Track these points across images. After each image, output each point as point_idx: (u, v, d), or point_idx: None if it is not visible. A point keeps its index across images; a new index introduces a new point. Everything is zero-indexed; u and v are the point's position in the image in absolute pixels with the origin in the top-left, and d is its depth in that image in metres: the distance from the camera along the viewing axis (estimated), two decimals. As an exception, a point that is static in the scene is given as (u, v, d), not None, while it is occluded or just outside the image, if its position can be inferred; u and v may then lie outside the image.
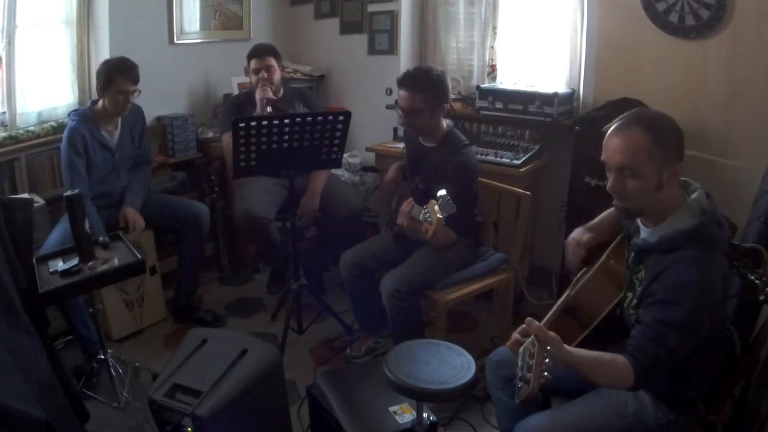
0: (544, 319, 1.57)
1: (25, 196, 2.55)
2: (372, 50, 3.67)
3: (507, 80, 3.32)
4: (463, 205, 2.09)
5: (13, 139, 2.74)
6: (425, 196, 2.16)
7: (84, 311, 2.38)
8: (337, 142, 2.44)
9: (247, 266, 3.55)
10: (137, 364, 2.50)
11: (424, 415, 1.74)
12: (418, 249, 2.42)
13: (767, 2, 2.37)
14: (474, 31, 3.41)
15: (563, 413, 1.56)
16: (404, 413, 1.82)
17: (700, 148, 2.53)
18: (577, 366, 1.30)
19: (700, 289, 1.29)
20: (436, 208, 1.94)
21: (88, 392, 2.31)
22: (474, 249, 2.50)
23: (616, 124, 1.41)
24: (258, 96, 2.77)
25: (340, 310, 2.85)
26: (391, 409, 1.83)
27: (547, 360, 1.21)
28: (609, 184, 1.41)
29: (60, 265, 2.04)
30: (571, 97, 3.01)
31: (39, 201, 2.59)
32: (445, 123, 2.47)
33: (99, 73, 2.56)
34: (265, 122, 2.27)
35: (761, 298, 1.52)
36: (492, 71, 3.41)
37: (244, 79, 3.48)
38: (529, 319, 1.31)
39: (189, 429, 1.73)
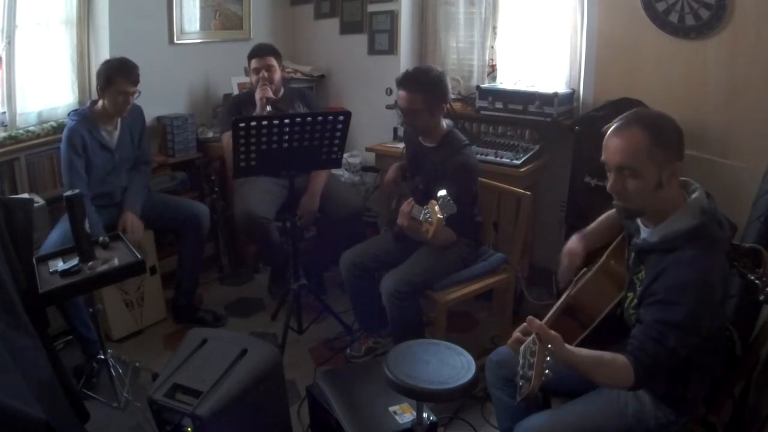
0: (545, 319, 1.57)
1: (25, 196, 2.55)
2: (372, 50, 3.67)
3: (507, 80, 3.32)
4: (463, 205, 2.09)
5: (13, 139, 2.74)
6: (425, 196, 2.16)
7: (84, 311, 2.38)
8: (337, 142, 2.44)
9: (247, 266, 3.55)
10: (137, 364, 2.50)
11: (424, 415, 1.74)
12: (418, 249, 2.42)
13: (767, 2, 2.37)
14: (474, 31, 3.41)
15: (563, 413, 1.56)
16: (404, 413, 1.82)
17: (700, 148, 2.53)
18: (577, 365, 1.30)
19: (700, 289, 1.29)
20: (437, 208, 1.94)
21: (88, 392, 2.31)
22: (474, 249, 2.50)
23: (615, 124, 1.41)
24: (258, 95, 2.77)
25: (340, 310, 2.85)
26: (391, 409, 1.83)
27: (548, 358, 1.21)
28: (609, 184, 1.42)
29: (60, 265, 2.04)
30: (571, 97, 3.01)
31: (39, 201, 2.59)
32: (445, 123, 2.47)
33: (99, 74, 2.56)
34: (265, 122, 2.27)
35: (761, 298, 1.52)
36: (492, 71, 3.41)
37: (244, 79, 3.48)
38: (530, 317, 1.31)
39: (189, 429, 1.73)
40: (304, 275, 2.72)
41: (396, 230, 2.44)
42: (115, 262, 2.08)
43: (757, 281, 1.54)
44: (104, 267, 2.04)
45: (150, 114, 3.10)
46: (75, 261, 2.03)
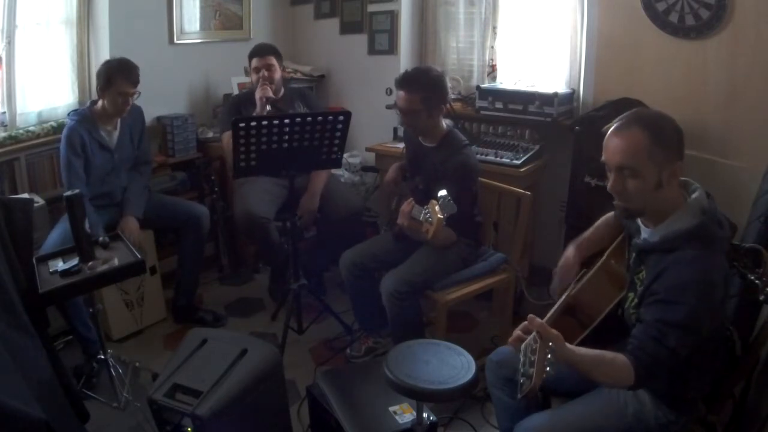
0: (545, 318, 1.57)
1: (25, 196, 2.55)
2: (372, 50, 3.67)
3: (507, 80, 3.32)
4: (463, 205, 2.08)
5: (13, 139, 2.74)
6: (425, 196, 2.16)
7: (84, 311, 2.38)
8: (337, 142, 2.44)
9: (247, 266, 3.55)
10: (137, 364, 2.50)
11: (424, 415, 1.74)
12: (418, 249, 2.42)
13: (767, 2, 2.37)
14: (474, 31, 3.41)
15: (563, 413, 1.56)
16: (404, 413, 1.82)
17: (700, 148, 2.53)
18: (578, 364, 1.30)
19: (700, 288, 1.29)
20: (437, 208, 1.94)
21: (88, 392, 2.31)
22: (474, 249, 2.50)
23: (615, 125, 1.42)
24: (258, 95, 2.77)
25: (340, 310, 2.85)
26: (391, 409, 1.83)
27: (549, 356, 1.21)
28: (609, 184, 1.42)
29: (60, 265, 2.04)
30: (571, 97, 3.01)
31: (39, 201, 2.59)
32: (445, 123, 2.47)
33: (99, 74, 2.56)
34: (265, 122, 2.27)
35: (761, 298, 1.52)
36: (492, 71, 3.41)
37: (244, 79, 3.49)
38: (531, 315, 1.31)
39: (189, 429, 1.73)
40: (304, 275, 2.72)
41: (396, 230, 2.44)
42: (115, 262, 2.08)
43: (757, 281, 1.54)
44: (104, 267, 2.04)
45: (150, 114, 3.10)
46: (75, 261, 2.03)
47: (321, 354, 2.73)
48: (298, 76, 3.80)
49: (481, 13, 3.35)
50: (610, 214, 1.75)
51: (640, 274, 1.46)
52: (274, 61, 2.90)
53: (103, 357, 2.27)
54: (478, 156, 2.80)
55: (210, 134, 3.47)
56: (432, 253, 2.37)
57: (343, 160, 2.91)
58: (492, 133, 3.18)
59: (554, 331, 1.26)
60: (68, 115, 2.64)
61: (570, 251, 1.76)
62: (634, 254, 1.51)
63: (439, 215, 1.92)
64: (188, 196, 3.31)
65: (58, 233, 2.46)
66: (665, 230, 1.39)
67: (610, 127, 1.43)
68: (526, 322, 1.33)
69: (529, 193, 2.46)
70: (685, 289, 1.30)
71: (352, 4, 3.69)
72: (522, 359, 1.27)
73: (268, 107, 2.77)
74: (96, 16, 3.06)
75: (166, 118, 3.29)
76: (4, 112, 2.81)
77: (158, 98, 3.18)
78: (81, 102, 3.09)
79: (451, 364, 1.69)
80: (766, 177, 2.02)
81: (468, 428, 2.22)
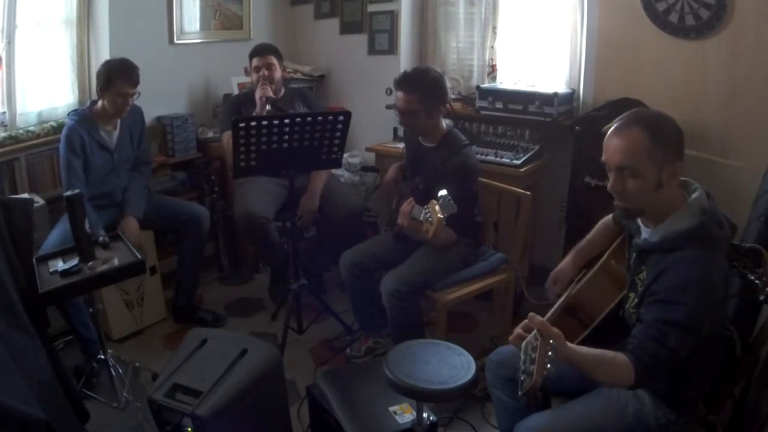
0: (545, 317, 1.57)
1: (25, 196, 2.55)
2: (372, 50, 3.67)
3: (507, 80, 3.32)
4: (463, 205, 2.08)
5: (13, 139, 2.74)
6: (426, 197, 2.16)
7: (83, 311, 2.38)
8: (337, 142, 2.44)
9: (247, 266, 3.55)
10: (137, 364, 2.50)
11: (424, 415, 1.74)
12: (418, 249, 2.42)
13: (767, 2, 2.37)
14: (474, 31, 3.41)
15: (563, 413, 1.56)
16: (404, 413, 1.82)
17: (700, 148, 2.53)
18: (578, 363, 1.30)
19: (700, 288, 1.29)
20: (437, 208, 1.94)
21: (88, 392, 2.31)
22: (474, 249, 2.50)
23: (615, 125, 1.42)
24: (258, 94, 2.77)
25: (340, 310, 2.85)
26: (391, 409, 1.83)
27: (550, 353, 1.21)
28: (609, 184, 1.42)
29: (60, 265, 2.04)
30: (571, 97, 3.01)
31: (39, 201, 2.59)
32: (445, 123, 2.47)
33: (99, 74, 2.56)
34: (265, 122, 2.27)
35: (761, 298, 1.52)
36: (492, 71, 3.41)
37: (244, 79, 3.48)
38: (531, 314, 1.31)
39: (189, 429, 1.73)
40: (304, 275, 2.72)
41: (396, 230, 2.44)
42: (115, 262, 2.08)
43: (757, 281, 1.54)
44: (104, 267, 2.04)
45: (150, 114, 3.10)
46: (75, 261, 2.03)
47: (321, 354, 2.73)
48: (298, 76, 3.80)
49: (481, 13, 3.35)
50: (608, 217, 1.76)
51: (641, 274, 1.46)
52: (274, 60, 2.90)
53: (103, 357, 2.27)
54: (478, 156, 2.80)
55: (210, 134, 3.47)
56: (432, 253, 2.37)
57: (343, 160, 2.91)
58: (492, 133, 3.18)
59: (555, 329, 1.26)
60: (68, 115, 2.64)
61: (568, 258, 1.78)
62: (634, 254, 1.51)
63: (439, 215, 1.92)
64: (188, 197, 3.31)
65: (58, 233, 2.46)
66: (665, 230, 1.40)
67: (610, 127, 1.43)
68: (526, 321, 1.33)
69: (529, 193, 2.46)
70: (686, 289, 1.30)
71: (352, 4, 3.69)
72: (523, 357, 1.27)
73: (268, 107, 2.77)
74: (96, 16, 3.06)
75: (166, 118, 3.29)
76: (4, 112, 2.81)
77: (158, 98, 3.18)
78: (81, 102, 3.09)
79: (451, 364, 1.69)
80: (766, 177, 2.02)
81: (468, 428, 2.22)
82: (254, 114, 2.74)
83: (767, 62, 2.40)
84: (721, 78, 2.56)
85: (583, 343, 1.44)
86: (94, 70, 2.74)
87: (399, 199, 2.54)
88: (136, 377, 2.46)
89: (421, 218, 2.04)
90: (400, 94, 2.33)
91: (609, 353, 1.34)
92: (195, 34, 3.47)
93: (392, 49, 3.57)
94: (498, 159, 2.89)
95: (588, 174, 2.67)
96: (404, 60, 3.54)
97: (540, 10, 3.16)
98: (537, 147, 2.96)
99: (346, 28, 3.77)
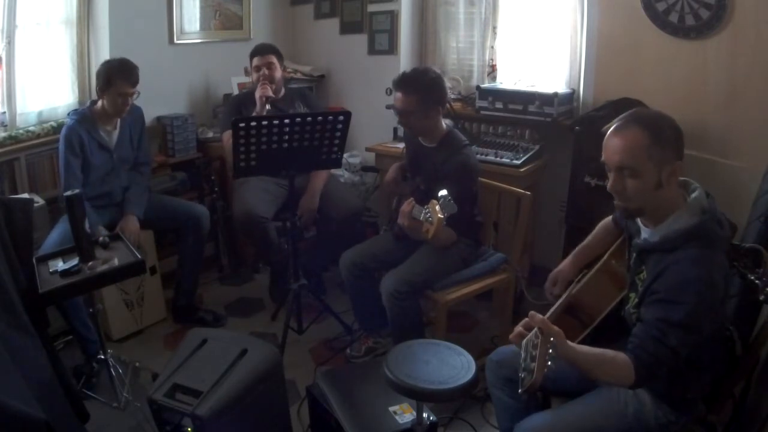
0: (545, 316, 1.57)
1: (25, 196, 2.55)
2: (372, 50, 3.67)
3: (507, 80, 3.32)
4: (463, 205, 2.09)
5: (13, 139, 2.74)
6: (426, 197, 2.16)
7: (83, 311, 2.38)
8: (337, 142, 2.44)
9: (247, 266, 3.55)
10: (137, 364, 2.50)
11: (424, 415, 1.74)
12: (418, 249, 2.42)
13: (767, 2, 2.37)
14: (474, 31, 3.41)
15: (563, 413, 1.56)
16: (404, 413, 1.82)
17: (700, 148, 2.53)
18: (579, 361, 1.30)
19: (701, 288, 1.29)
20: (437, 208, 1.94)
21: (88, 392, 2.31)
22: (474, 249, 2.50)
23: (615, 125, 1.42)
24: (258, 94, 2.77)
25: (340, 310, 2.85)
26: (391, 409, 1.83)
27: (550, 350, 1.22)
28: (609, 184, 1.42)
29: (60, 265, 2.04)
30: (571, 97, 3.01)
31: (39, 201, 2.59)
32: (445, 123, 2.47)
33: (99, 74, 2.56)
34: (265, 122, 2.27)
35: (761, 298, 1.52)
36: (492, 71, 3.41)
37: (244, 79, 3.49)
38: (532, 312, 1.32)
39: (189, 429, 1.73)
40: (304, 275, 2.72)
41: (396, 230, 2.44)
42: (115, 262, 2.08)
43: (757, 281, 1.54)
44: (104, 267, 2.04)
45: (150, 114, 3.10)
46: (75, 261, 2.03)
47: (321, 354, 2.73)
48: (298, 76, 3.80)
49: (481, 13, 3.35)
50: (608, 218, 1.76)
51: (641, 274, 1.46)
52: (274, 60, 2.91)
53: (103, 357, 2.27)
54: (478, 156, 2.80)
55: (210, 134, 3.47)
56: (432, 253, 2.37)
57: (343, 160, 2.91)
58: (492, 133, 3.18)
59: (556, 328, 1.26)
60: (68, 114, 2.64)
61: (567, 260, 1.79)
62: (634, 254, 1.51)
63: (439, 215, 1.92)
64: (188, 196, 3.31)
65: (58, 233, 2.46)
66: (665, 230, 1.40)
67: (609, 128, 1.43)
68: (527, 319, 1.33)
69: (529, 193, 2.46)
70: (686, 289, 1.30)
71: (352, 4, 3.69)
72: (523, 355, 1.27)
73: (268, 106, 2.77)
74: (96, 16, 3.06)
75: (166, 118, 3.29)
76: (4, 112, 2.81)
77: (158, 98, 3.18)
78: (81, 102, 3.09)
79: (451, 364, 1.69)
80: (766, 177, 2.02)
81: (468, 428, 2.22)
82: (254, 113, 2.75)
83: (767, 62, 2.40)
84: (721, 78, 2.56)
85: (583, 342, 1.44)
86: (94, 70, 2.74)
87: (399, 199, 2.54)
88: (136, 377, 2.46)
89: (421, 218, 2.04)
90: (398, 94, 2.34)
91: (609, 352, 1.34)
92: (195, 34, 3.47)
93: (392, 49, 3.57)
94: (498, 159, 2.89)
95: (588, 174, 2.67)
96: (404, 60, 3.54)
97: (540, 10, 3.16)
98: (537, 147, 2.96)
99: (346, 28, 3.77)
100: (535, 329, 1.27)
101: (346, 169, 3.43)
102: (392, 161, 2.89)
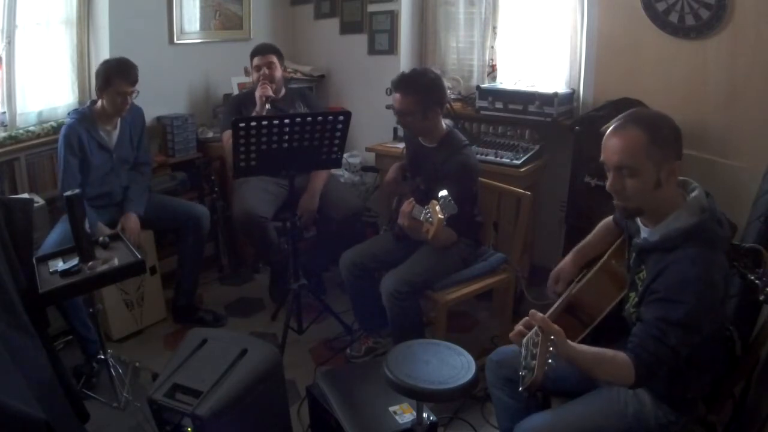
0: (546, 315, 1.57)
1: (25, 196, 2.55)
2: (372, 50, 3.68)
3: (507, 80, 3.32)
4: (463, 205, 2.09)
5: (13, 139, 2.74)
6: (426, 197, 2.16)
7: (83, 311, 2.38)
8: (337, 142, 2.44)
9: (247, 266, 3.55)
10: (137, 364, 2.50)
11: (424, 415, 1.74)
12: (418, 249, 2.42)
13: (767, 2, 2.37)
14: (474, 31, 3.41)
15: (563, 413, 1.56)
16: (404, 413, 1.82)
17: (700, 148, 2.53)
18: (578, 360, 1.30)
19: (700, 287, 1.29)
20: (438, 208, 1.94)
21: (88, 392, 2.31)
22: (474, 249, 2.50)
23: (613, 125, 1.42)
24: (258, 93, 2.78)
25: (340, 310, 2.85)
26: (391, 409, 1.83)
27: (551, 348, 1.22)
28: (608, 183, 1.42)
29: (60, 265, 2.04)
30: (571, 97, 3.01)
31: (39, 201, 2.59)
32: (445, 123, 2.47)
33: (98, 74, 2.56)
34: (265, 122, 2.27)
35: (761, 298, 1.52)
36: (492, 71, 3.41)
37: (244, 79, 3.49)
38: (532, 311, 1.32)
39: (189, 429, 1.73)
40: (304, 275, 2.72)
41: (397, 230, 2.44)
42: (115, 262, 2.08)
43: (757, 281, 1.54)
44: (104, 267, 2.04)
45: (150, 114, 3.10)
46: (75, 261, 2.03)
47: (321, 354, 2.73)
48: (298, 76, 3.80)
49: (481, 13, 3.35)
50: (609, 218, 1.76)
51: (641, 273, 1.46)
52: (275, 59, 2.91)
53: (103, 357, 2.27)
54: (478, 156, 2.80)
55: (210, 134, 3.47)
56: (432, 253, 2.37)
57: (343, 160, 2.91)
58: (492, 133, 3.18)
59: (556, 326, 1.26)
60: (68, 114, 2.64)
61: (568, 257, 1.78)
62: (634, 254, 1.51)
63: (439, 215, 1.92)
64: (188, 196, 3.31)
65: (57, 233, 2.46)
66: (665, 229, 1.40)
67: (608, 127, 1.43)
68: (527, 317, 1.33)
69: (529, 193, 2.46)
70: (685, 288, 1.30)
71: (352, 4, 3.69)
72: (524, 353, 1.28)
73: (268, 106, 2.77)
74: (96, 16, 3.06)
75: (166, 118, 3.29)
76: (4, 112, 2.81)
77: (158, 98, 3.18)
78: (81, 102, 3.09)
79: (451, 364, 1.69)
80: (766, 177, 2.02)
81: (468, 428, 2.22)
82: (254, 113, 2.75)
83: (767, 62, 2.40)
84: (721, 78, 2.56)
85: (583, 342, 1.44)
86: (94, 70, 2.73)
87: (399, 199, 2.54)
88: (136, 377, 2.46)
89: (421, 218, 2.04)
90: (397, 95, 2.34)
91: (609, 352, 1.34)
92: (195, 34, 3.47)
93: (392, 49, 3.57)
94: (498, 159, 2.89)
95: (588, 174, 2.67)
96: (404, 60, 3.54)
97: (540, 10, 3.16)
98: (537, 147, 2.96)
99: (346, 28, 3.77)
100: (536, 328, 1.27)
101: (346, 169, 3.43)
102: (392, 161, 2.89)
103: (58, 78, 3.03)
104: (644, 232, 1.47)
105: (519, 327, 1.36)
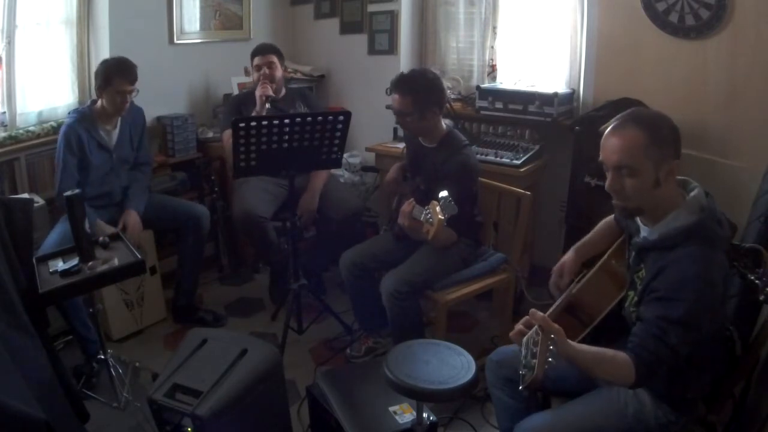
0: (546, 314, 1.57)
1: (25, 196, 2.55)
2: (372, 50, 3.68)
3: (507, 80, 3.32)
4: (463, 205, 2.09)
5: (13, 139, 2.74)
6: (426, 197, 2.16)
7: (83, 311, 2.38)
8: (337, 142, 2.44)
9: (247, 266, 3.55)
10: (137, 364, 2.50)
11: (424, 415, 1.74)
12: (419, 249, 2.42)
13: (767, 2, 2.37)
14: (474, 31, 3.41)
15: (563, 413, 1.56)
16: (404, 413, 1.82)
17: (700, 148, 2.53)
18: (578, 360, 1.30)
19: (700, 285, 1.30)
20: (438, 209, 1.94)
21: (88, 392, 2.31)
22: (474, 249, 2.50)
23: (612, 124, 1.42)
24: (258, 93, 2.78)
25: (340, 310, 2.85)
26: (391, 409, 1.83)
27: (551, 347, 1.22)
28: (607, 183, 1.42)
29: (60, 265, 2.04)
30: (571, 97, 3.01)
31: (39, 201, 2.59)
32: (445, 123, 2.47)
33: (97, 73, 2.56)
34: (265, 122, 2.27)
35: (761, 298, 1.52)
36: (492, 71, 3.41)
37: (244, 79, 3.49)
38: (532, 310, 1.32)
39: (189, 429, 1.73)
40: (304, 275, 2.72)
41: (397, 230, 2.44)
42: (115, 262, 2.08)
43: (757, 281, 1.54)
44: (104, 267, 2.04)
45: (150, 114, 3.10)
46: (75, 261, 2.03)
47: (321, 354, 2.73)
48: (298, 76, 3.80)
49: (481, 13, 3.35)
50: (611, 217, 1.76)
51: (640, 272, 1.46)
52: (275, 59, 2.92)
53: (103, 357, 2.27)
54: (478, 156, 2.80)
55: (210, 134, 3.47)
56: (432, 253, 2.37)
57: (343, 160, 2.91)
58: (492, 133, 3.18)
59: (556, 325, 1.26)
60: (68, 114, 2.64)
61: (570, 253, 1.77)
62: (633, 253, 1.51)
63: (439, 216, 1.92)
64: (188, 196, 3.31)
65: (57, 233, 2.46)
66: (664, 228, 1.40)
67: (607, 127, 1.43)
68: (527, 317, 1.34)
69: (529, 193, 2.46)
70: (685, 286, 1.30)
71: (352, 4, 3.69)
72: (524, 352, 1.28)
73: (268, 105, 2.77)
74: (96, 16, 3.06)
75: (166, 118, 3.29)
76: (4, 112, 2.81)
77: (158, 98, 3.18)
78: (81, 102, 3.09)
79: (451, 364, 1.69)
80: (766, 177, 2.02)
81: (468, 428, 2.22)
82: (254, 112, 2.75)
83: (767, 62, 2.40)
84: (721, 78, 2.56)
85: (583, 342, 1.44)
86: (94, 70, 2.74)
87: (399, 199, 2.54)
88: (136, 377, 2.46)
89: (421, 219, 2.04)
90: (395, 96, 2.35)
91: (609, 351, 1.34)
92: (195, 34, 3.47)
93: (392, 49, 3.57)
94: (498, 159, 2.89)
95: (588, 174, 2.67)
96: (404, 60, 3.54)
97: (540, 10, 3.16)
98: (537, 147, 2.96)
99: (346, 28, 3.77)
100: (536, 327, 1.27)
101: (346, 169, 3.43)
102: (392, 161, 2.89)
103: (58, 78, 3.03)
104: (644, 231, 1.47)
105: (519, 326, 1.36)
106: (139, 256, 2.12)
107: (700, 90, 2.62)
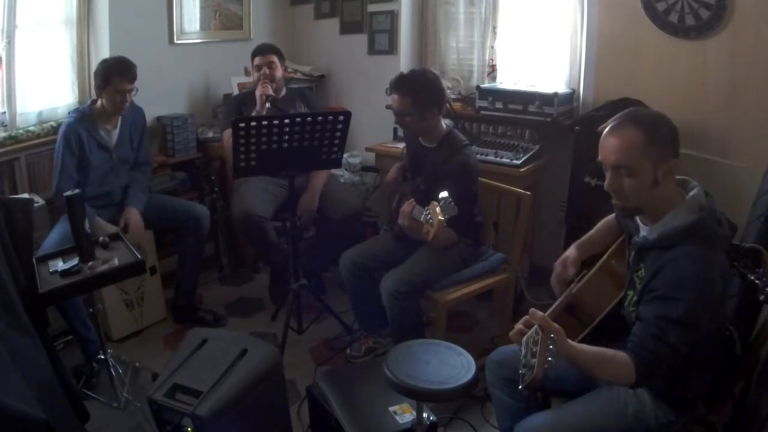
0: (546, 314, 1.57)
1: (25, 196, 2.55)
2: (372, 50, 3.68)
3: (507, 80, 3.32)
4: (463, 205, 2.09)
5: (13, 139, 2.74)
6: (426, 197, 2.16)
7: (83, 311, 2.38)
8: (337, 142, 2.44)
9: (247, 266, 3.55)
10: (137, 364, 2.50)
11: (424, 415, 1.74)
12: (419, 249, 2.42)
13: (767, 2, 2.37)
14: (474, 31, 3.41)
15: (563, 413, 1.56)
16: (404, 413, 1.82)
17: (700, 148, 2.53)
18: (578, 359, 1.30)
19: (699, 284, 1.30)
20: (438, 209, 1.94)
21: (88, 392, 2.31)
22: (474, 249, 2.50)
23: (610, 124, 1.42)
24: (258, 92, 2.78)
25: (340, 310, 2.85)
26: (391, 409, 1.83)
27: (551, 347, 1.22)
28: (606, 183, 1.42)
29: (60, 265, 2.04)
30: (571, 97, 3.01)
31: (39, 201, 2.59)
32: (445, 123, 2.47)
33: (97, 73, 2.56)
34: (265, 122, 2.27)
35: (761, 298, 1.52)
36: (492, 71, 3.41)
37: (244, 79, 3.49)
38: (532, 309, 1.32)
39: (189, 429, 1.73)
40: (304, 275, 2.72)
41: (397, 230, 2.44)
42: (115, 262, 2.08)
43: (757, 281, 1.54)
44: (104, 267, 2.04)
45: (150, 114, 3.10)
46: (75, 261, 2.03)
47: (321, 354, 2.73)
48: (298, 76, 3.80)
49: (481, 13, 3.35)
50: (611, 216, 1.76)
51: (639, 272, 1.46)
52: (276, 59, 2.92)
53: (103, 357, 2.27)
54: (478, 156, 2.80)
55: (210, 134, 3.47)
56: (432, 253, 2.37)
57: (343, 160, 2.91)
58: (492, 133, 3.18)
59: (556, 325, 1.26)
60: (68, 113, 2.64)
61: (571, 249, 1.77)
62: (633, 252, 1.51)
63: (439, 217, 1.92)
64: (188, 196, 3.31)
65: (56, 233, 2.46)
66: (663, 227, 1.40)
67: (605, 127, 1.44)
68: (527, 316, 1.34)
69: (529, 193, 2.46)
70: (684, 285, 1.30)
71: (352, 4, 3.70)
72: (524, 351, 1.28)
73: (268, 105, 2.77)
74: (96, 16, 3.06)
75: (166, 118, 3.29)
76: (4, 112, 2.81)
77: (158, 98, 3.18)
78: (81, 102, 3.09)
79: (451, 364, 1.69)
80: (766, 177, 2.02)
81: (468, 428, 2.22)
82: (254, 112, 2.75)
83: (767, 62, 2.40)
84: (721, 78, 2.56)
85: (583, 342, 1.44)
86: (94, 69, 2.74)
87: (400, 199, 2.54)
88: (136, 377, 2.46)
89: (421, 219, 2.04)
90: (395, 96, 2.35)
91: (609, 351, 1.34)
92: (195, 34, 3.47)
93: (392, 49, 3.57)
94: (498, 159, 2.89)
95: (588, 174, 2.67)
96: (404, 60, 3.54)
97: (540, 10, 3.16)
98: (537, 147, 2.96)
99: (346, 28, 3.77)
100: (536, 326, 1.27)
101: (346, 169, 3.43)
102: (392, 161, 2.89)
103: (58, 78, 3.03)
104: (643, 231, 1.47)
105: (519, 326, 1.36)
106: (139, 256, 2.12)
107: (700, 90, 2.62)
